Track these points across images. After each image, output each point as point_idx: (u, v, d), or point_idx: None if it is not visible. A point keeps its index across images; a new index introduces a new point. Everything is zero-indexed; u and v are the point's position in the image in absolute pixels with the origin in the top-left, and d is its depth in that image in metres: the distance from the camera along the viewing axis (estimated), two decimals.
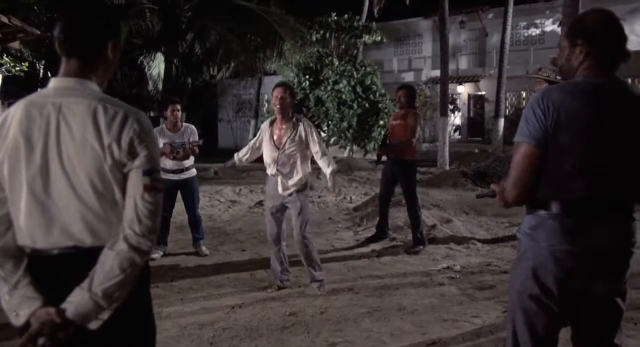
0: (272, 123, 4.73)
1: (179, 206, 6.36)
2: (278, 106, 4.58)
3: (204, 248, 6.27)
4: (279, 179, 4.65)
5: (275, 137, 4.65)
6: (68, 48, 1.64)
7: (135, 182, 1.59)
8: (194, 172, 6.19)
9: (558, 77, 4.08)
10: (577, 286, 2.00)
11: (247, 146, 5.04)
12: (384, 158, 6.64)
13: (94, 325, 1.56)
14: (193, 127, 6.17)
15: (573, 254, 1.97)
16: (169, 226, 6.22)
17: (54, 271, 1.60)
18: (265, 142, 4.71)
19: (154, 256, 5.76)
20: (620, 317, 2.07)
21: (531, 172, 1.98)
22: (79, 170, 1.56)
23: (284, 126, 4.64)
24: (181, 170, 6.01)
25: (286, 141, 4.59)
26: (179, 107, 6.02)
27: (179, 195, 6.15)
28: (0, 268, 1.62)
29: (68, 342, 1.53)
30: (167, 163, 5.86)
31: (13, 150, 1.57)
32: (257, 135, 4.91)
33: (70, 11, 1.65)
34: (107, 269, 1.54)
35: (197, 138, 6.10)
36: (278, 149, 4.61)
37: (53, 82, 1.65)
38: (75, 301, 1.53)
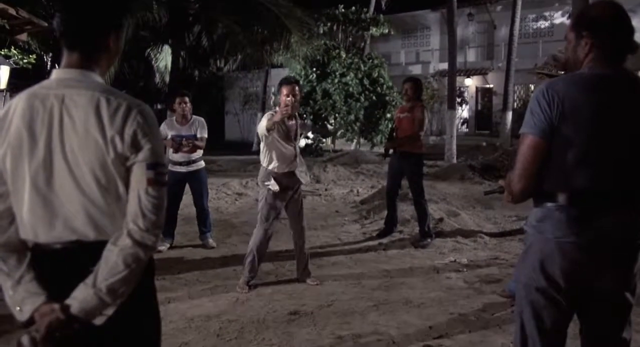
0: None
1: (186, 198, 6.37)
2: (290, 106, 4.43)
3: (210, 240, 6.28)
4: (298, 171, 4.71)
5: (286, 133, 4.61)
6: (69, 41, 1.62)
7: (139, 176, 1.56)
8: (202, 164, 6.18)
9: (561, 72, 4.11)
10: (584, 278, 1.98)
11: (268, 153, 4.66)
12: (391, 151, 6.61)
13: (98, 321, 1.54)
14: (202, 120, 6.15)
15: (580, 246, 1.95)
16: (176, 218, 6.23)
17: (57, 265, 1.59)
18: (282, 138, 4.58)
19: (161, 248, 5.77)
20: (629, 311, 2.05)
21: (537, 164, 1.98)
22: (82, 163, 1.54)
23: (292, 122, 4.67)
24: (189, 163, 6.01)
25: (296, 134, 4.70)
26: (187, 99, 6.01)
27: (187, 188, 6.16)
28: (3, 263, 1.60)
29: (72, 337, 1.52)
30: (175, 155, 5.88)
31: (16, 143, 1.55)
32: (263, 137, 4.60)
33: (70, 3, 1.62)
34: (111, 264, 1.52)
35: (205, 131, 6.10)
36: (294, 144, 4.68)
37: (55, 74, 1.63)
38: (80, 297, 1.51)
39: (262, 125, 4.43)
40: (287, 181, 4.66)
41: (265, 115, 4.56)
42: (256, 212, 4.82)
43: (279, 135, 4.55)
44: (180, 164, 5.93)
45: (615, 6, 2.02)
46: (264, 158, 4.69)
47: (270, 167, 4.63)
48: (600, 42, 1.99)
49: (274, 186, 4.59)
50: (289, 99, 4.45)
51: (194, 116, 6.14)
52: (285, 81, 4.58)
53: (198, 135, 6.03)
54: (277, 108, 4.49)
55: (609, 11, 2.01)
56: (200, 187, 6.18)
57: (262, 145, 4.68)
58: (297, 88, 4.52)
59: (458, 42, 17.94)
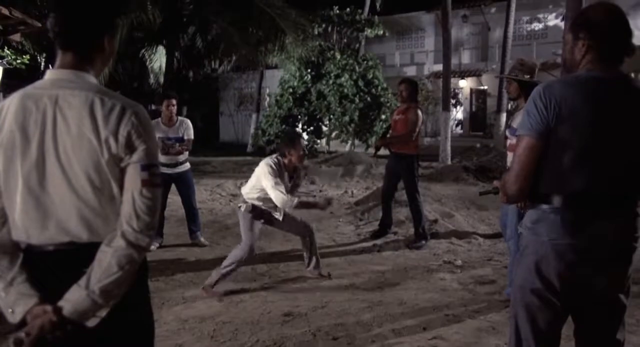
0: (280, 168, 4.59)
1: (179, 199, 6.36)
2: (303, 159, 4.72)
3: (202, 239, 6.33)
4: (274, 211, 4.75)
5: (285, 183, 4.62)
6: (64, 41, 1.61)
7: (133, 177, 1.56)
8: (187, 166, 6.23)
9: (526, 76, 4.18)
10: (579, 280, 1.99)
11: (257, 192, 4.68)
12: (386, 152, 6.61)
13: (91, 323, 1.53)
14: (189, 122, 6.20)
15: (575, 248, 1.95)
16: (164, 218, 6.22)
17: (50, 267, 1.58)
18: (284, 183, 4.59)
19: (151, 248, 5.76)
20: (622, 312, 2.06)
21: (533, 166, 1.98)
22: (75, 164, 1.53)
23: (289, 175, 4.71)
24: (175, 165, 6.03)
25: (294, 186, 4.80)
26: (174, 101, 6.04)
27: (173, 188, 6.17)
28: None
29: (65, 339, 1.51)
30: (161, 157, 5.87)
31: (8, 144, 1.55)
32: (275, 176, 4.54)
33: (65, 4, 1.61)
34: (105, 266, 1.51)
35: (191, 133, 6.16)
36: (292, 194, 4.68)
37: (49, 74, 1.62)
38: (73, 299, 1.51)
39: (282, 198, 4.39)
40: (264, 213, 4.75)
41: (271, 170, 4.49)
42: None
43: None
44: (167, 166, 5.93)
45: (613, 8, 2.02)
46: (249, 191, 4.71)
47: (250, 201, 4.69)
48: (597, 44, 1.99)
49: (247, 207, 4.68)
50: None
51: (179, 118, 6.17)
52: (299, 138, 4.71)
53: (185, 138, 6.09)
54: (283, 159, 4.60)
55: (607, 13, 2.01)
56: (187, 189, 6.22)
57: (254, 181, 4.66)
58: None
59: (452, 43, 17.97)
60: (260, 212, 4.71)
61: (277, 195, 4.41)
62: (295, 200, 4.45)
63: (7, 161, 1.55)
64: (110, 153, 1.53)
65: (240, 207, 4.74)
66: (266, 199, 4.61)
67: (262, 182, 4.54)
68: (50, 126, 1.53)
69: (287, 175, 4.67)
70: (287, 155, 4.60)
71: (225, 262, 4.62)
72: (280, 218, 4.79)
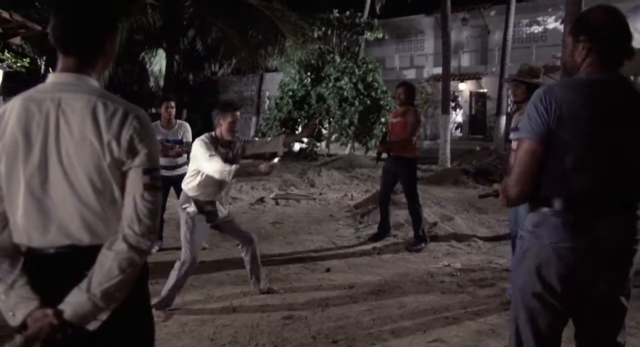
0: (213, 142, 4.14)
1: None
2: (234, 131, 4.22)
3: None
4: (219, 203, 4.34)
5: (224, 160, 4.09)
6: (65, 45, 1.62)
7: (135, 180, 1.56)
8: (186, 168, 6.21)
9: (535, 80, 4.26)
10: (580, 283, 1.99)
11: (194, 179, 4.21)
12: (384, 155, 6.62)
13: (92, 326, 1.54)
14: (187, 125, 6.27)
15: (576, 251, 1.95)
16: (163, 220, 6.24)
17: (51, 270, 1.58)
18: None
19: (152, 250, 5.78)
20: (623, 315, 2.06)
21: (534, 169, 1.98)
22: (77, 167, 1.53)
23: (224, 149, 4.25)
24: (174, 167, 6.07)
25: (233, 160, 4.25)
26: (172, 104, 6.11)
27: (172, 191, 6.18)
28: None
29: (65, 343, 1.51)
30: (160, 159, 5.89)
31: (11, 147, 1.55)
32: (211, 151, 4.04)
33: (65, 7, 1.62)
34: (106, 269, 1.52)
35: (190, 137, 6.19)
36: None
37: (51, 78, 1.62)
38: (73, 302, 1.51)
39: (218, 166, 3.90)
40: (208, 206, 4.28)
41: (203, 144, 4.04)
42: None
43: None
44: (166, 168, 5.94)
45: (613, 11, 2.02)
46: (188, 180, 4.26)
47: (191, 194, 4.22)
48: (597, 46, 2.00)
49: (191, 207, 4.19)
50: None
51: (178, 121, 6.25)
52: (234, 106, 4.27)
53: (184, 140, 6.14)
54: (218, 132, 4.17)
55: (607, 16, 2.01)
56: None
57: (191, 167, 4.22)
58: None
59: (452, 46, 18.03)
60: (205, 212, 4.23)
61: (212, 165, 3.92)
62: (233, 167, 3.91)
63: (10, 164, 1.56)
64: (112, 157, 1.54)
65: (185, 207, 4.21)
66: (207, 184, 4.14)
67: (196, 161, 4.08)
68: (52, 129, 1.54)
69: (222, 149, 4.18)
70: (218, 125, 4.16)
71: (169, 282, 4.16)
72: (225, 212, 4.39)
